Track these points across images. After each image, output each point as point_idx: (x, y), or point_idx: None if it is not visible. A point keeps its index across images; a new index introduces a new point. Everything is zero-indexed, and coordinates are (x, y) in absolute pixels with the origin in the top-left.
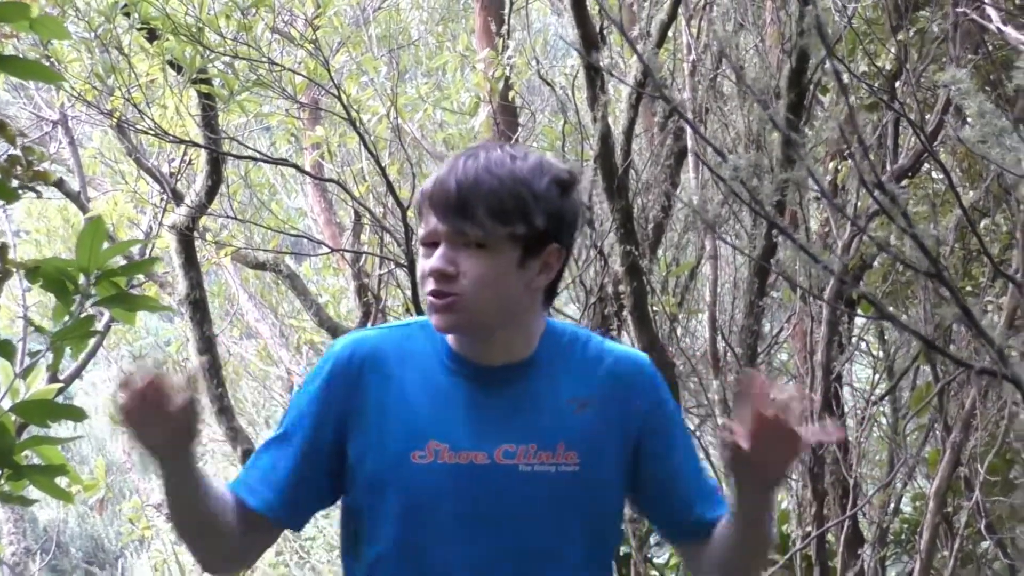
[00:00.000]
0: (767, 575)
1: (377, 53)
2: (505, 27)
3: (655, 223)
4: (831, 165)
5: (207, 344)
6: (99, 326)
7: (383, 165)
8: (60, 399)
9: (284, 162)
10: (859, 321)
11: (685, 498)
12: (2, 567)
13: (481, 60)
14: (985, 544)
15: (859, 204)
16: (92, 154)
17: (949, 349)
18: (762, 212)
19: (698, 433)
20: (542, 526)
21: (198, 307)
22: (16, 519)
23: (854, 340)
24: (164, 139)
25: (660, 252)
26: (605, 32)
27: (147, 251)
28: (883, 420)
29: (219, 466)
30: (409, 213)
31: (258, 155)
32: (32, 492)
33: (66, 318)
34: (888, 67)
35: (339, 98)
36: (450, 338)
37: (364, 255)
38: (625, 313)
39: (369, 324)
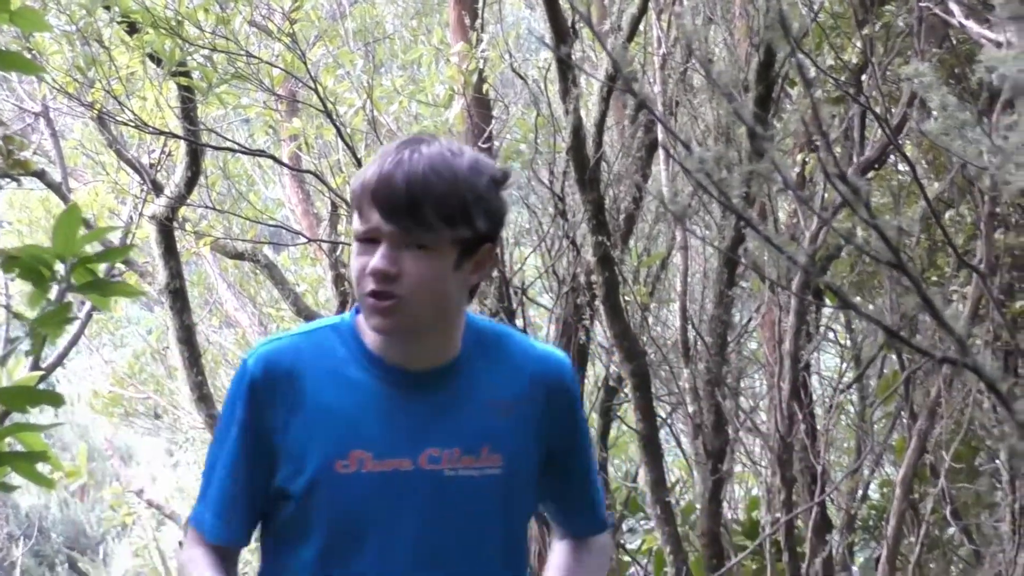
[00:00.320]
0: (738, 559)
1: (353, 46)
2: (479, 21)
3: (626, 214)
4: (799, 157)
5: (187, 333)
6: (81, 315)
7: (359, 156)
8: (43, 386)
9: (262, 153)
10: (827, 311)
11: (577, 503)
12: None
13: (455, 54)
14: (951, 530)
15: (826, 196)
16: (73, 145)
17: (914, 339)
18: (728, 204)
19: (669, 421)
20: (466, 529)
21: (178, 296)
22: None
23: (822, 329)
24: (144, 131)
25: (632, 243)
26: (577, 26)
27: (127, 240)
28: (851, 408)
29: (199, 454)
30: None
31: (236, 146)
32: (14, 479)
33: (43, 304)
34: (854, 61)
35: (316, 91)
36: (369, 341)
37: (341, 245)
38: (597, 303)
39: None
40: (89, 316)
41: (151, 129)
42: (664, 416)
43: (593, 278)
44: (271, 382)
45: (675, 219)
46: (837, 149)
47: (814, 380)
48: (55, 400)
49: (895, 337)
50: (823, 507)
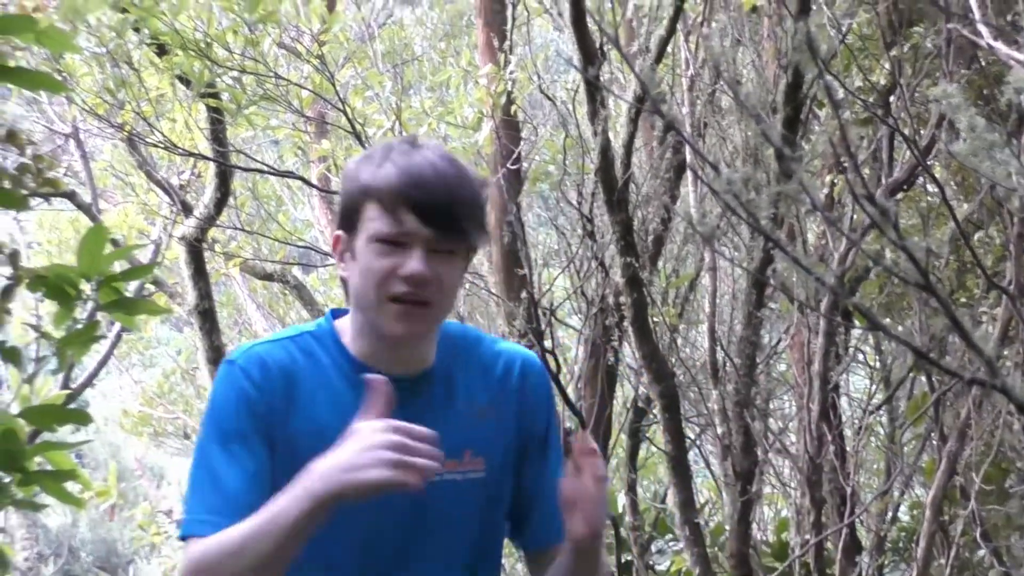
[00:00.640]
0: None
1: (382, 68)
2: (507, 43)
3: (655, 235)
4: (827, 179)
5: (216, 353)
6: (110, 335)
7: None
8: (74, 406)
9: (291, 175)
10: (856, 332)
11: (548, 507)
12: (15, 572)
13: (484, 75)
14: (981, 552)
15: (855, 217)
16: (103, 167)
17: (944, 360)
18: (757, 225)
19: (698, 442)
20: (445, 533)
21: (207, 317)
22: (29, 525)
23: (851, 351)
24: (173, 152)
25: (660, 264)
26: (605, 48)
27: (157, 260)
28: (880, 430)
29: None
30: None
31: (265, 168)
32: (44, 498)
33: (70, 323)
34: (883, 82)
35: (344, 112)
36: (353, 347)
37: None
38: (626, 324)
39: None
40: (119, 336)
41: (180, 150)
42: (693, 437)
43: (622, 299)
44: (268, 381)
45: (704, 240)
46: (866, 171)
47: (843, 401)
48: (83, 419)
49: (924, 358)
50: (852, 529)
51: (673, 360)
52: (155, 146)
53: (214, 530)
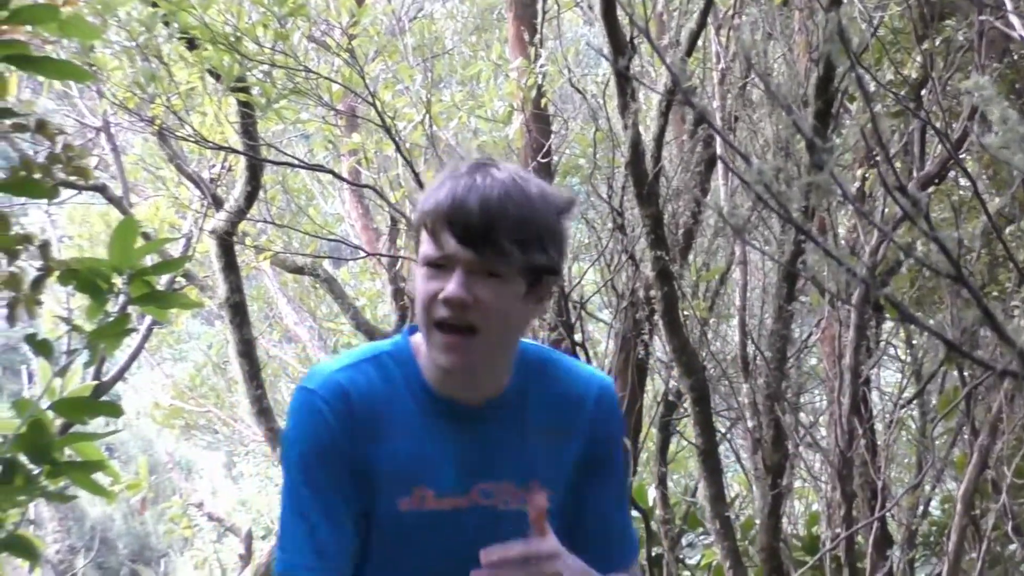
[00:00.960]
0: (798, 575)
1: (413, 62)
2: (538, 36)
3: (685, 229)
4: (859, 172)
5: (246, 347)
6: (141, 328)
7: (418, 171)
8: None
9: (321, 168)
10: (887, 326)
11: (599, 532)
12: (45, 564)
13: (514, 69)
14: (1012, 547)
15: (886, 210)
16: (134, 160)
17: (975, 353)
18: (788, 217)
19: (729, 436)
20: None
21: (238, 310)
22: (61, 518)
23: (882, 344)
24: (204, 146)
25: (691, 257)
26: (636, 41)
27: (190, 255)
28: (911, 423)
29: (259, 466)
30: None
31: (295, 161)
32: (75, 491)
33: (101, 316)
34: (914, 76)
35: (374, 106)
36: (425, 369)
37: (400, 259)
38: (656, 318)
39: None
40: (150, 330)
41: (211, 144)
42: (723, 431)
43: (652, 293)
44: (350, 413)
45: (734, 233)
46: (897, 164)
47: (874, 395)
48: (113, 411)
49: (955, 350)
50: (883, 523)
51: (703, 354)
52: (185, 140)
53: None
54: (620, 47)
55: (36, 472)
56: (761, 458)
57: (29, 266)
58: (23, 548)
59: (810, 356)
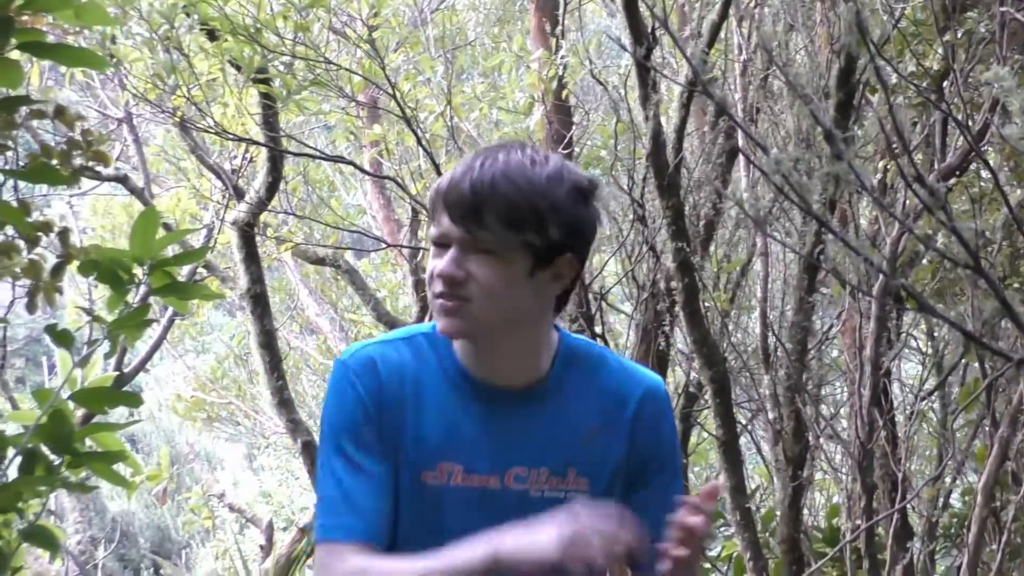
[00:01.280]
0: (818, 566)
1: (434, 53)
2: (559, 28)
3: (706, 220)
4: (880, 164)
5: (267, 338)
6: (163, 320)
7: (439, 163)
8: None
9: (342, 160)
10: (908, 318)
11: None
12: (67, 555)
13: (536, 60)
14: None
15: (907, 202)
16: (156, 152)
17: (995, 344)
18: (808, 209)
19: (749, 428)
20: None
21: (259, 302)
22: (82, 508)
23: (903, 336)
24: (225, 137)
25: (711, 249)
26: (657, 32)
27: (211, 246)
28: (932, 415)
29: (280, 458)
30: None
31: (317, 153)
32: (96, 483)
33: (122, 307)
34: (936, 67)
35: (395, 97)
36: (459, 353)
37: (421, 251)
38: (677, 309)
39: (426, 320)
40: (171, 321)
41: (232, 136)
42: (744, 422)
43: (673, 284)
44: (377, 384)
45: (755, 225)
46: (918, 156)
47: (895, 387)
48: (133, 401)
49: (974, 340)
50: (904, 514)
51: (724, 345)
52: (207, 131)
53: (350, 537)
54: (641, 38)
55: (57, 462)
56: (782, 450)
57: (49, 253)
58: (44, 538)
59: (831, 348)
